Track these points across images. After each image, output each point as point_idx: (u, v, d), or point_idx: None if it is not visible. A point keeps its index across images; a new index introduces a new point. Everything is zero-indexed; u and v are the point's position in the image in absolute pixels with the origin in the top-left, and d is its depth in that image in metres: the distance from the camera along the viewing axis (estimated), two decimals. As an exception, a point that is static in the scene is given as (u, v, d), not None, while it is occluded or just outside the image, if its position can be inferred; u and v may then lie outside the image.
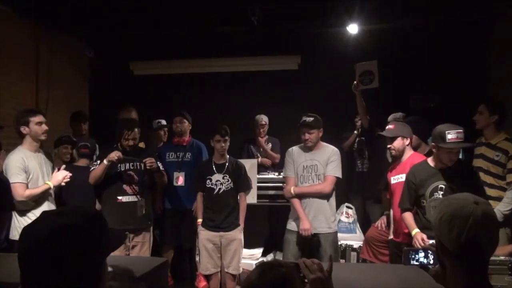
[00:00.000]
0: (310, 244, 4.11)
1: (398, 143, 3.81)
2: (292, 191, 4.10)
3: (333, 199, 4.17)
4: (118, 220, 3.97)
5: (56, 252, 1.19)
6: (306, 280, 1.58)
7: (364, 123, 4.98)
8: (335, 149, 4.18)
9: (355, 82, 4.65)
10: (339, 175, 4.13)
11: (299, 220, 4.05)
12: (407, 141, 3.84)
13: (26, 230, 1.26)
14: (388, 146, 3.90)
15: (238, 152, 5.44)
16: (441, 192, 3.38)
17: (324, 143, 4.20)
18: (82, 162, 4.40)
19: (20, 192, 3.60)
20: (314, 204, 4.07)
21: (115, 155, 4.00)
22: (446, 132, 3.21)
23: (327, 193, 4.09)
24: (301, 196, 4.10)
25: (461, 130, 3.24)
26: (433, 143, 3.36)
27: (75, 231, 1.23)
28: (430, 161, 3.46)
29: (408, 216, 3.50)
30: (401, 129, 3.83)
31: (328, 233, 4.07)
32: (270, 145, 5.73)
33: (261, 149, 5.70)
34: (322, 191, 4.07)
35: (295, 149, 4.26)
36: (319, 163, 4.10)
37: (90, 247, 1.24)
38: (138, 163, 4.22)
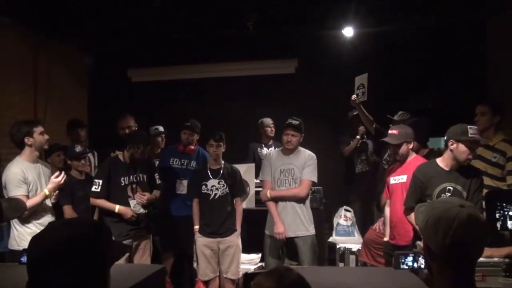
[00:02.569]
0: (289, 248, 4.19)
1: (403, 149, 3.80)
2: (268, 194, 4.17)
3: (308, 203, 4.24)
4: (121, 232, 4.03)
5: (64, 261, 1.22)
6: None
7: (371, 132, 5.00)
8: (312, 153, 4.25)
9: (353, 96, 4.66)
10: (315, 179, 4.21)
11: (274, 224, 4.10)
12: (411, 145, 3.84)
13: (35, 239, 1.29)
14: (393, 152, 3.91)
15: (234, 156, 5.43)
16: (449, 194, 3.35)
17: (301, 148, 4.26)
18: (77, 174, 4.36)
19: None
20: (291, 208, 4.14)
21: (128, 214, 4.06)
22: (468, 127, 3.24)
23: (303, 197, 4.17)
24: (277, 200, 4.17)
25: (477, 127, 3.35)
26: (451, 141, 3.31)
27: (82, 241, 1.26)
28: (440, 161, 3.43)
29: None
30: (404, 134, 3.80)
31: (306, 236, 4.13)
32: (277, 148, 5.74)
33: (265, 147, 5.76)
34: (298, 195, 4.14)
35: (272, 153, 4.38)
36: (296, 167, 4.17)
37: (96, 256, 1.27)
38: (141, 175, 4.23)
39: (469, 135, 3.21)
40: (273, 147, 5.77)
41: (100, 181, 4.06)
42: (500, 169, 3.94)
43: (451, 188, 3.34)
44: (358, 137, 5.60)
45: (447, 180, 3.36)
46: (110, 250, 1.34)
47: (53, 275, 1.22)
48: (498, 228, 3.11)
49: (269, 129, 5.83)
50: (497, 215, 3.11)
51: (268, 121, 5.85)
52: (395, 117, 4.94)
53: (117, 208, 4.05)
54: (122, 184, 4.12)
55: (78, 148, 4.34)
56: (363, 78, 4.65)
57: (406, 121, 4.61)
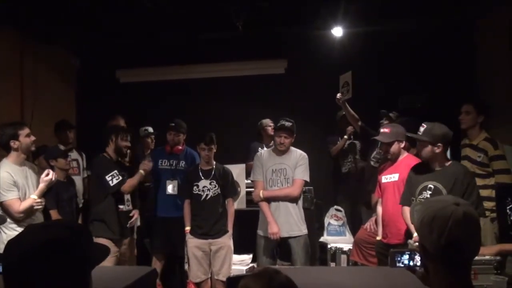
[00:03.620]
0: (282, 248, 4.17)
1: (394, 148, 3.82)
2: (261, 194, 4.14)
3: (300, 203, 4.23)
4: (119, 228, 4.12)
5: (42, 266, 1.18)
6: None
7: (356, 130, 4.98)
8: (303, 153, 4.23)
9: (338, 94, 4.65)
10: (307, 178, 4.19)
11: (267, 225, 4.07)
12: (403, 144, 3.85)
13: (11, 243, 1.25)
14: (384, 151, 3.93)
15: (226, 156, 5.41)
16: (430, 192, 3.39)
17: (293, 148, 4.24)
18: (60, 176, 4.24)
19: (15, 208, 3.52)
20: (284, 208, 4.12)
21: (149, 166, 4.26)
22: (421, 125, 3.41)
23: (295, 196, 4.15)
24: (269, 200, 4.15)
25: (424, 125, 3.44)
26: None
27: (61, 244, 1.22)
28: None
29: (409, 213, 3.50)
30: (396, 133, 3.82)
31: (299, 236, 4.11)
32: (268, 148, 5.72)
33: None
34: (291, 195, 4.12)
35: (264, 153, 4.34)
36: (288, 166, 4.15)
37: (76, 260, 1.23)
38: (123, 172, 4.26)
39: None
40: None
41: (115, 171, 4.07)
42: (486, 167, 3.99)
43: (432, 186, 3.39)
44: (345, 137, 5.59)
45: (429, 179, 3.42)
46: (91, 253, 1.30)
47: (30, 280, 1.18)
48: (509, 223, 3.14)
49: (269, 128, 5.76)
50: (508, 211, 3.13)
51: (268, 121, 5.81)
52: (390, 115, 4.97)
53: (140, 171, 4.22)
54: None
55: (62, 147, 4.32)
56: (347, 76, 4.64)
57: (395, 121, 4.64)
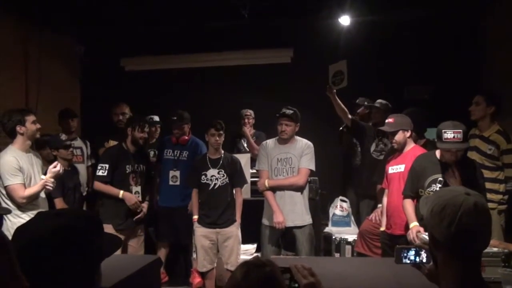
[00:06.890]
0: (287, 238, 4.17)
1: (399, 137, 3.82)
2: (266, 183, 4.14)
3: (306, 192, 4.21)
4: (123, 218, 4.23)
5: (50, 253, 1.17)
6: (297, 285, 1.60)
7: (347, 123, 4.85)
8: (309, 142, 4.23)
9: (328, 85, 4.57)
10: (313, 167, 4.19)
11: (272, 214, 4.06)
12: (408, 133, 3.84)
13: (20, 230, 1.24)
14: (390, 140, 3.94)
15: (230, 147, 5.39)
16: (439, 185, 3.36)
17: (298, 137, 4.24)
18: (64, 164, 4.15)
19: (19, 193, 3.53)
20: (289, 197, 4.12)
21: (131, 201, 4.24)
22: (443, 131, 3.17)
23: (301, 185, 4.15)
24: (275, 189, 4.14)
25: (459, 130, 3.13)
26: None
27: (72, 233, 1.21)
28: (438, 152, 3.44)
29: (409, 206, 3.50)
30: (400, 122, 3.83)
31: (304, 225, 4.11)
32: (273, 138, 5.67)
33: (245, 139, 5.68)
34: (296, 183, 4.12)
35: (269, 142, 4.32)
36: (294, 156, 4.15)
37: (86, 249, 1.22)
38: (141, 165, 4.39)
39: (443, 140, 3.17)
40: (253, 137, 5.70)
41: (107, 166, 4.19)
42: (496, 160, 3.95)
43: (442, 179, 3.36)
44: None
45: (439, 171, 3.39)
46: (102, 244, 1.28)
47: (36, 267, 1.17)
48: None
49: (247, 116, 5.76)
50: None
51: (245, 110, 5.79)
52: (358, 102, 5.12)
53: (121, 193, 4.18)
54: (127, 172, 4.26)
55: (64, 136, 4.31)
56: (341, 65, 4.57)
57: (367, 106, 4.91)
